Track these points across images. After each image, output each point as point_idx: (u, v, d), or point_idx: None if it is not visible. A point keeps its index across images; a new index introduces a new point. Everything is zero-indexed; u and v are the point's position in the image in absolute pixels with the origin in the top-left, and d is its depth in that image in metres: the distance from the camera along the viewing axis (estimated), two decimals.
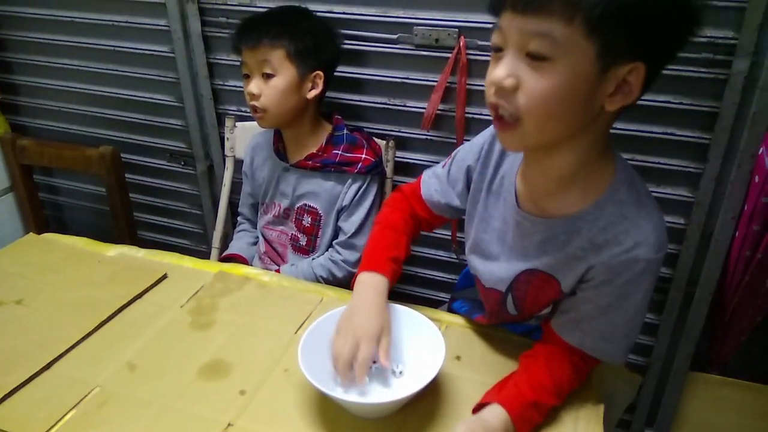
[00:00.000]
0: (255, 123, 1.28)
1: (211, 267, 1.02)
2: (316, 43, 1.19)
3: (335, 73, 1.29)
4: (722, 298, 1.23)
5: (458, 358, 0.83)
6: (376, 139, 1.33)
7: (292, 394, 0.74)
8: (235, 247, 1.39)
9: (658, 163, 1.19)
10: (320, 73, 1.20)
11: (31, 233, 1.12)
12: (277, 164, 1.29)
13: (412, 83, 1.33)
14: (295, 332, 0.86)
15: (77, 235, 1.13)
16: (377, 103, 1.38)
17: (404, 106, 1.36)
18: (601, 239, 0.70)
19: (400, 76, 1.33)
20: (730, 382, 1.28)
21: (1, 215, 1.82)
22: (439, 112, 1.32)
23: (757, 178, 1.09)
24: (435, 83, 1.30)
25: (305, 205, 1.27)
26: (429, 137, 1.37)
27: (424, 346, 0.77)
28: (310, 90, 1.20)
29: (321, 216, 1.26)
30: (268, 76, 1.16)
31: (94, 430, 0.69)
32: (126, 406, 0.72)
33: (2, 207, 1.83)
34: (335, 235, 1.28)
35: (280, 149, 1.29)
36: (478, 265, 0.85)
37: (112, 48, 1.58)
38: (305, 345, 0.73)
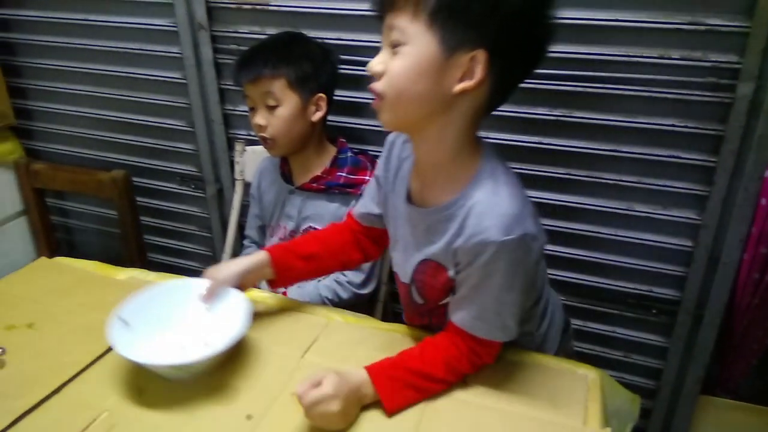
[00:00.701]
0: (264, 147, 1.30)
1: None
2: (314, 67, 1.21)
3: (340, 98, 1.31)
4: (731, 321, 1.22)
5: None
6: None
7: (299, 419, 0.74)
8: None
9: (664, 185, 1.20)
10: (322, 95, 1.23)
11: (42, 257, 1.14)
12: (283, 187, 1.31)
13: None
14: (302, 356, 0.86)
15: (88, 257, 1.15)
16: (379, 126, 1.39)
17: None
18: (464, 225, 0.77)
19: None
20: (741, 406, 1.27)
21: (13, 238, 1.85)
22: None
23: (764, 201, 1.10)
24: None
25: (310, 227, 1.28)
26: None
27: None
28: (314, 113, 1.23)
29: None
30: (272, 107, 1.19)
31: None
32: (134, 431, 0.72)
33: (15, 230, 1.86)
34: None
35: (286, 172, 1.32)
36: (395, 260, 0.92)
37: (125, 74, 1.61)
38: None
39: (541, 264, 0.89)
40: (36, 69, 1.73)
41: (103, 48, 1.60)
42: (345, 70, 1.33)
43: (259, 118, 1.20)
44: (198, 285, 0.90)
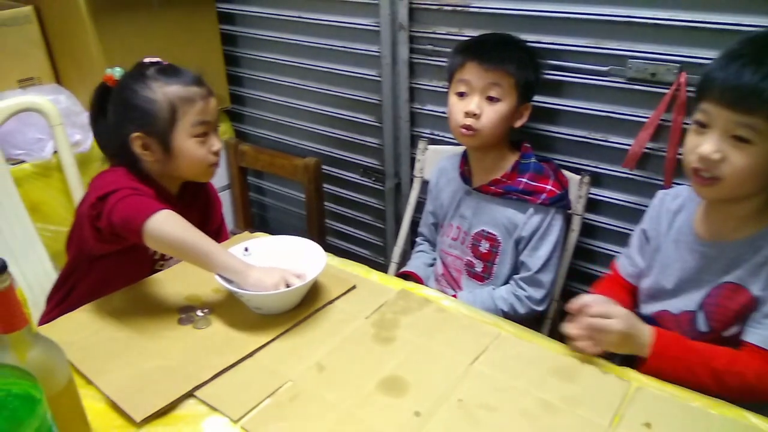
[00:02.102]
0: (446, 147, 1.31)
1: (395, 284, 1.06)
2: (535, 77, 1.23)
3: (535, 103, 1.28)
4: None
5: (648, 425, 0.75)
6: (567, 173, 1.28)
7: (465, 425, 0.74)
8: (413, 265, 1.43)
9: None
10: (529, 105, 1.22)
11: (246, 231, 1.27)
12: (461, 186, 1.31)
13: (617, 118, 1.26)
14: (471, 364, 0.85)
15: (274, 233, 1.25)
16: (575, 135, 1.33)
17: (605, 141, 1.29)
18: None
19: (606, 109, 1.26)
20: None
21: None
22: (646, 150, 1.23)
23: None
24: (645, 120, 1.21)
25: (483, 230, 1.26)
26: (630, 176, 1.28)
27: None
28: (518, 120, 1.22)
29: (499, 243, 1.24)
30: (492, 99, 1.18)
31: (284, 421, 0.75)
32: (313, 405, 0.77)
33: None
34: (513, 266, 1.25)
35: (465, 172, 1.31)
36: (656, 307, 0.99)
37: (327, 70, 1.73)
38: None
39: None
40: (252, 60, 1.93)
41: (310, 44, 1.74)
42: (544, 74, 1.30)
43: (475, 106, 1.18)
44: (318, 258, 0.99)
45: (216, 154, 1.09)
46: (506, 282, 1.27)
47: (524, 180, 1.22)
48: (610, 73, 1.24)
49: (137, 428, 0.73)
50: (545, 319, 1.32)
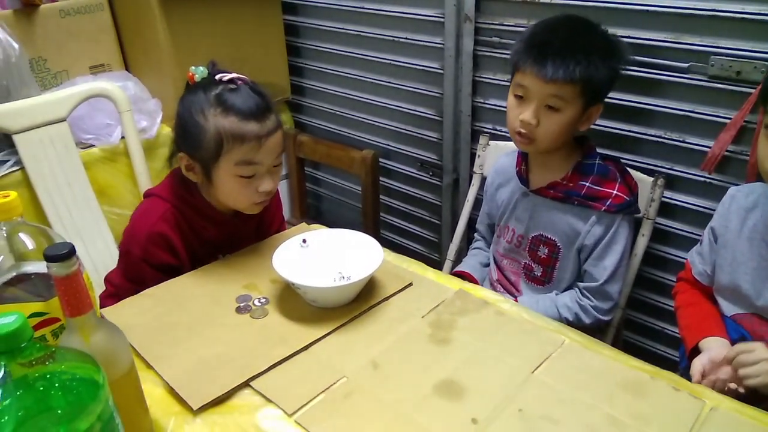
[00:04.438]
0: (508, 143, 1.25)
1: (452, 283, 1.03)
2: (609, 77, 1.09)
3: (612, 101, 1.21)
4: None
5: None
6: (639, 174, 1.21)
7: None
8: (468, 264, 1.39)
9: None
10: (600, 105, 1.11)
11: (302, 223, 1.27)
12: (518, 187, 1.23)
13: (697, 118, 1.18)
14: (532, 372, 0.82)
15: (330, 225, 1.24)
16: (650, 135, 1.26)
17: (683, 141, 1.21)
18: None
19: (684, 108, 1.19)
20: None
21: None
22: (727, 153, 1.15)
23: None
24: (727, 120, 1.13)
25: (541, 235, 1.19)
26: (708, 180, 1.20)
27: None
28: (584, 122, 1.12)
29: (559, 248, 1.18)
30: (551, 109, 1.08)
31: (338, 418, 0.74)
32: (368, 403, 0.76)
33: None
34: (576, 272, 1.19)
35: (522, 172, 1.22)
36: (735, 309, 0.96)
37: (388, 61, 1.71)
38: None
39: None
40: (313, 50, 1.93)
41: (372, 35, 1.72)
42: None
43: (530, 116, 1.08)
44: (375, 254, 0.97)
45: (265, 194, 1.01)
46: (569, 286, 1.21)
47: (587, 184, 1.13)
48: (691, 70, 1.16)
49: (194, 416, 0.74)
50: (609, 328, 1.26)
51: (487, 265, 1.38)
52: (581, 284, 1.17)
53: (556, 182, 1.16)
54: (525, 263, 1.24)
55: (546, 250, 1.20)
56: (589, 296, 1.14)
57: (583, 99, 1.08)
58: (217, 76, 0.98)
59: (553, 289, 1.22)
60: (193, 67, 1.00)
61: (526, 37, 1.12)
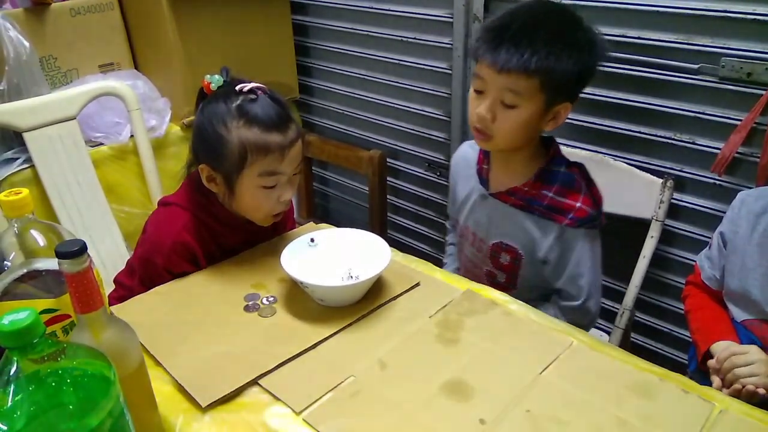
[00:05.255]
0: None
1: (460, 284, 1.03)
2: (579, 71, 0.98)
3: (599, 97, 1.20)
4: None
5: None
6: (649, 176, 1.20)
7: None
8: (452, 268, 1.34)
9: None
10: (568, 104, 1.02)
11: (310, 222, 1.27)
12: (476, 187, 1.15)
13: (707, 119, 1.18)
14: (540, 373, 0.82)
15: (336, 224, 1.24)
16: (659, 136, 1.25)
17: (693, 143, 1.21)
18: None
19: (695, 109, 1.19)
20: None
21: None
22: (737, 155, 1.14)
23: None
24: (737, 122, 1.13)
25: (502, 243, 1.13)
26: (718, 182, 1.20)
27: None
28: (549, 122, 1.03)
29: (521, 256, 1.12)
30: (507, 105, 1.00)
31: (345, 417, 0.74)
32: (375, 403, 0.76)
33: None
34: (541, 276, 1.14)
35: (482, 171, 1.15)
36: (745, 315, 0.96)
37: (396, 61, 1.71)
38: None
39: None
40: (321, 50, 1.94)
41: (381, 35, 1.72)
42: (608, 67, 1.23)
43: (484, 109, 1.00)
44: (382, 253, 0.96)
45: (284, 203, 1.01)
46: (534, 287, 1.15)
47: (550, 194, 1.05)
48: (701, 71, 1.16)
49: (202, 413, 0.74)
50: (615, 329, 1.26)
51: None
52: (561, 303, 1.13)
53: (517, 188, 1.08)
54: (487, 270, 1.19)
55: (508, 257, 1.14)
56: (570, 315, 1.11)
57: (544, 95, 0.98)
58: (237, 87, 0.97)
59: (518, 294, 1.18)
60: (208, 76, 0.99)
61: (488, 23, 1.04)
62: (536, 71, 0.95)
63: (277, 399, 0.76)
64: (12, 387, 0.49)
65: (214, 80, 0.98)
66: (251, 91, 0.96)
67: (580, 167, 1.10)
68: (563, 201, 1.05)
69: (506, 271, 1.16)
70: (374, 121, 1.86)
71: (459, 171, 1.22)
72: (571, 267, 1.08)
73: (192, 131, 1.03)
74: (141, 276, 1.03)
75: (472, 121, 1.05)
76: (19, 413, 0.49)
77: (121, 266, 1.13)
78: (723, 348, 0.92)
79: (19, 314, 0.49)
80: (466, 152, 1.21)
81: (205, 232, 1.04)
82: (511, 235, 1.11)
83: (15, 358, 0.50)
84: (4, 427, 0.48)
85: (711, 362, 0.93)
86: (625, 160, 1.28)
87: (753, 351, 0.88)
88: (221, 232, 1.06)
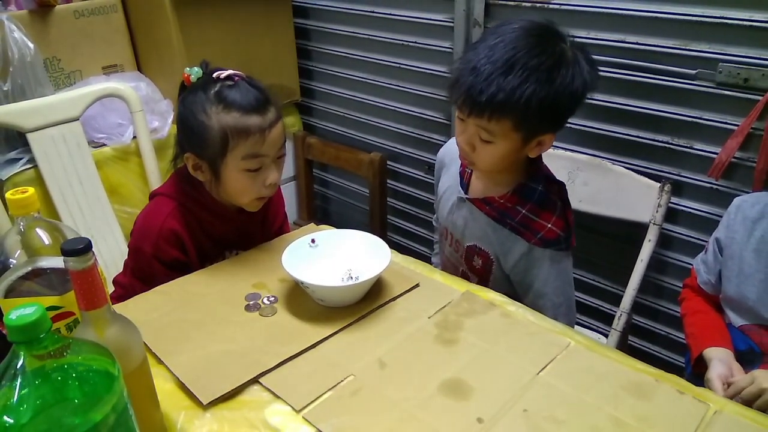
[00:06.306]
0: None
1: (459, 285, 1.04)
2: (560, 106, 0.95)
3: (598, 102, 1.21)
4: None
5: None
6: (647, 180, 1.21)
7: None
8: (439, 265, 1.33)
9: None
10: (552, 135, 1.00)
11: (311, 223, 1.28)
12: (457, 188, 1.16)
13: (704, 124, 1.19)
14: (537, 373, 0.83)
15: (336, 226, 1.25)
16: (657, 141, 1.26)
17: (690, 148, 1.22)
18: None
19: (692, 114, 1.20)
20: None
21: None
22: (734, 160, 1.15)
23: None
24: (734, 127, 1.14)
25: (476, 246, 1.14)
26: (715, 186, 1.21)
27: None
28: (534, 148, 1.02)
29: (493, 261, 1.13)
30: (484, 141, 0.99)
31: (345, 415, 0.75)
32: (374, 401, 0.77)
33: (285, 193, 2.15)
34: (510, 286, 1.14)
35: (464, 174, 1.15)
36: (742, 320, 0.96)
37: (397, 65, 1.72)
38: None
39: None
40: (323, 53, 1.95)
41: (382, 39, 1.73)
42: (607, 73, 1.24)
43: (464, 141, 1.01)
44: (382, 254, 0.97)
45: (270, 186, 1.02)
46: (505, 293, 1.10)
47: (523, 211, 1.05)
48: (698, 76, 1.17)
49: (204, 410, 0.75)
50: (612, 331, 1.27)
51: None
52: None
53: (494, 199, 1.08)
54: (462, 270, 1.20)
55: (480, 261, 1.15)
56: None
57: (521, 132, 0.96)
58: (214, 74, 1.00)
59: None
60: (187, 68, 1.02)
61: (466, 56, 1.01)
62: (507, 114, 0.93)
63: (278, 397, 0.77)
64: (18, 381, 0.50)
65: (194, 72, 1.01)
66: (228, 77, 0.99)
67: (560, 186, 1.09)
68: (535, 220, 1.05)
69: (478, 275, 1.16)
70: (375, 124, 1.87)
71: (444, 168, 1.23)
72: (537, 286, 1.08)
73: (177, 120, 1.05)
74: (132, 267, 1.05)
75: (458, 146, 1.06)
76: (24, 407, 0.50)
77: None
78: (724, 356, 0.95)
79: (26, 309, 0.50)
80: (452, 149, 1.18)
81: (192, 221, 1.05)
82: (484, 240, 1.12)
83: (22, 353, 0.51)
84: (11, 420, 0.49)
85: (713, 375, 0.94)
86: (623, 164, 1.29)
87: (760, 377, 0.87)
88: (209, 221, 1.07)
